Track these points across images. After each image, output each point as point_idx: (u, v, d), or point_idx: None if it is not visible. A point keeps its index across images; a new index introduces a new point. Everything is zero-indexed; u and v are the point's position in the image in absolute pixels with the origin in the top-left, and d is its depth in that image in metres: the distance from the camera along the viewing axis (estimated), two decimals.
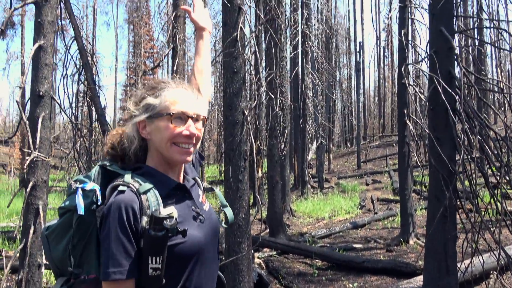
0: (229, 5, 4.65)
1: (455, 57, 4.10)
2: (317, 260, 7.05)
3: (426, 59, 4.71)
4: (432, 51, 4.12)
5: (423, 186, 11.27)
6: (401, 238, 7.66)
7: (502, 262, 4.35)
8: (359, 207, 12.41)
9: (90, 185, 1.23)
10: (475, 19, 11.56)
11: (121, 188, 1.21)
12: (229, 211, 1.48)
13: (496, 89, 7.84)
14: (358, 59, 26.19)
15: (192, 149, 1.31)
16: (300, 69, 15.13)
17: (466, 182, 3.94)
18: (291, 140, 19.64)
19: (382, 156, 24.06)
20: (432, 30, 4.24)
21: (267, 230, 9.08)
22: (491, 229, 3.92)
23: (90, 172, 1.30)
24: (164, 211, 1.19)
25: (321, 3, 19.13)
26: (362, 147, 25.36)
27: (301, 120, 14.31)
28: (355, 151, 25.00)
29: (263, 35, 10.30)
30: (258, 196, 6.63)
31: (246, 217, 4.54)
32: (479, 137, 3.74)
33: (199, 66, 1.72)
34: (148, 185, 1.24)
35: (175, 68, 9.57)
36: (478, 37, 14.25)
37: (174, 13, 9.47)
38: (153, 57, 36.44)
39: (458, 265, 4.22)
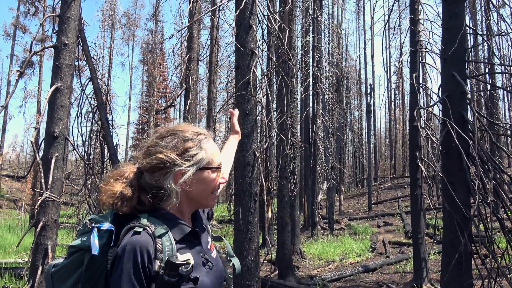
0: (242, 49, 4.80)
1: (467, 101, 4.14)
2: None
3: (438, 103, 4.75)
4: (444, 95, 4.17)
5: (436, 230, 11.03)
6: (414, 283, 7.42)
7: None
8: (371, 250, 12.12)
9: (106, 225, 1.23)
10: (486, 64, 11.71)
11: (137, 229, 1.20)
12: (236, 262, 1.48)
13: (509, 132, 7.82)
14: (368, 101, 26.46)
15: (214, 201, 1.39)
16: (311, 110, 15.32)
17: (481, 227, 3.86)
18: (301, 180, 19.56)
19: (393, 198, 23.73)
20: (444, 74, 4.31)
21: (276, 272, 8.88)
22: (508, 275, 3.80)
23: (106, 213, 1.29)
24: (180, 257, 1.20)
25: (332, 46, 19.59)
26: (373, 189, 25.08)
27: (311, 161, 14.31)
28: (366, 193, 24.73)
29: (274, 77, 10.53)
30: (268, 238, 6.54)
31: (256, 260, 4.47)
32: (494, 181, 3.70)
33: (225, 153, 1.81)
34: (163, 229, 1.23)
35: (187, 108, 9.79)
36: (490, 81, 14.37)
37: (188, 55, 9.80)
38: (165, 96, 37.27)
39: None
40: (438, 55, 4.87)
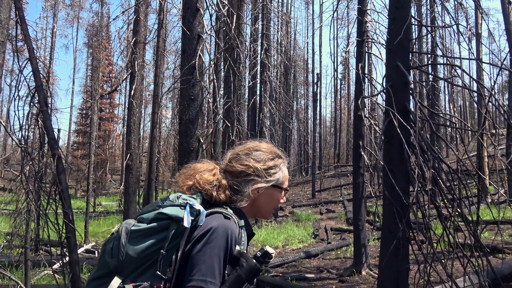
0: (189, 33, 4.60)
1: (410, 91, 4.22)
2: None
3: (382, 93, 4.83)
4: (388, 85, 4.21)
5: (376, 217, 11.47)
6: (354, 269, 7.65)
7: None
8: (313, 236, 12.40)
9: (198, 206, 1.38)
10: (429, 56, 12.20)
11: (226, 215, 1.39)
12: None
13: (448, 123, 8.21)
14: (315, 90, 26.90)
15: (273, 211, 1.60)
16: (258, 98, 15.29)
17: (419, 214, 3.98)
18: None
19: (336, 186, 24.47)
20: (388, 64, 4.36)
21: None
22: (443, 261, 3.96)
23: (195, 195, 1.44)
24: (271, 250, 1.46)
25: (280, 34, 19.64)
26: (317, 177, 25.73)
27: None
28: (310, 180, 25.30)
29: (222, 63, 10.33)
30: None
31: None
32: (433, 170, 3.81)
33: None
34: (242, 223, 1.43)
35: (132, 93, 9.37)
36: (433, 73, 15.05)
37: (134, 39, 9.35)
38: (110, 81, 35.72)
39: None
40: (384, 46, 4.94)
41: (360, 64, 7.80)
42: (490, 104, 4.21)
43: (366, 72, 8.24)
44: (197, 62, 4.58)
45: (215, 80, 5.71)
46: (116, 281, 1.32)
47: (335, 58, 35.15)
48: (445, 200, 3.83)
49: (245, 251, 1.39)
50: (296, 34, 34.43)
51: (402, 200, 3.80)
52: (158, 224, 1.37)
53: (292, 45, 25.80)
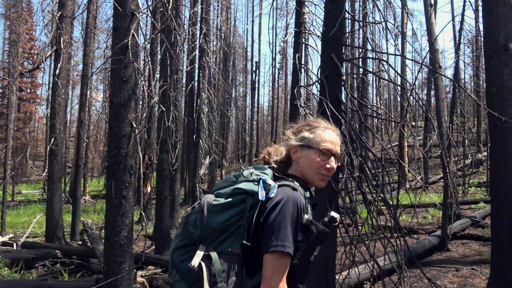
0: (121, 10, 4.39)
1: (342, 83, 4.39)
2: None
3: (317, 83, 4.98)
4: (322, 76, 4.36)
5: None
6: None
7: (375, 273, 4.72)
8: None
9: (270, 181, 1.53)
10: (360, 50, 12.74)
11: (294, 187, 1.54)
12: None
13: (375, 114, 8.66)
14: (253, 78, 27.10)
15: (328, 179, 1.68)
16: (196, 83, 15.07)
17: (347, 199, 4.20)
18: (183, 154, 19.34)
19: None
20: (323, 56, 4.50)
21: (153, 247, 8.69)
22: (366, 242, 4.23)
23: (266, 170, 1.60)
24: (336, 215, 1.57)
25: (220, 20, 19.44)
26: (254, 164, 26.02)
27: (194, 135, 14.18)
28: None
29: (158, 45, 10.03)
30: (143, 213, 6.25)
31: (129, 235, 4.25)
32: (360, 158, 4.02)
33: None
34: (307, 194, 1.60)
35: (57, 72, 8.79)
36: (363, 66, 15.74)
37: (60, 13, 8.75)
38: (32, 58, 33.18)
39: (337, 277, 4.47)
40: (320, 38, 5.08)
41: (297, 55, 7.95)
42: (411, 98, 4.52)
43: (302, 62, 8.42)
44: (130, 42, 4.40)
45: (150, 63, 5.52)
46: (201, 249, 1.48)
47: (274, 47, 35.56)
48: (370, 186, 4.06)
49: (313, 220, 1.52)
50: (236, 21, 34.30)
51: (332, 186, 3.98)
52: (236, 198, 1.52)
53: (232, 32, 25.66)
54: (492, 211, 4.43)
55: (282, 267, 1.44)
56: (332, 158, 1.65)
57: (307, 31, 8.10)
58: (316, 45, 8.59)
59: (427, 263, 6.68)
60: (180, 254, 1.55)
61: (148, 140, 10.71)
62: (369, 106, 5.24)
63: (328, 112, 3.92)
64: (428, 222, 9.95)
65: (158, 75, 9.24)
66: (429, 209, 11.35)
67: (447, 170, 7.47)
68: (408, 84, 4.33)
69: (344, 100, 4.21)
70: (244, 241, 1.46)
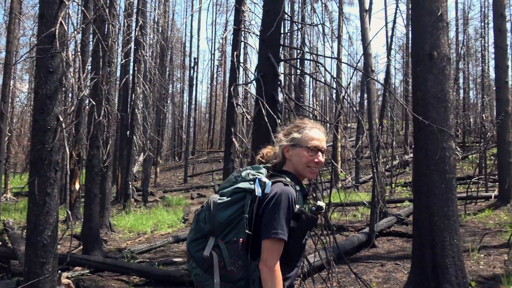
0: None
1: (279, 83, 4.44)
2: (134, 277, 6.69)
3: (254, 82, 5.00)
4: (259, 75, 4.38)
5: None
6: None
7: (305, 269, 4.84)
8: (183, 221, 12.41)
9: (265, 179, 1.81)
10: (298, 51, 13.01)
11: (286, 183, 1.82)
12: None
13: (311, 115, 8.90)
14: (192, 74, 26.72)
15: (317, 171, 1.99)
16: (131, 77, 14.54)
17: None
18: (116, 151, 18.62)
19: (209, 171, 24.81)
20: (261, 55, 4.52)
21: (81, 247, 8.26)
22: None
23: (261, 170, 1.88)
24: (322, 204, 1.88)
25: (158, 13, 18.90)
26: (190, 162, 25.73)
27: (128, 131, 13.67)
28: (183, 165, 25.19)
29: (91, 36, 9.52)
30: (69, 212, 5.88)
31: (53, 235, 3.99)
32: None
33: None
34: (298, 187, 1.88)
35: None
36: (300, 68, 16.10)
37: None
38: None
39: None
40: (258, 37, 5.10)
41: (235, 52, 7.96)
42: (345, 100, 4.69)
43: (241, 61, 8.46)
44: (57, 30, 4.11)
45: (80, 54, 5.20)
46: (211, 240, 1.78)
47: (213, 44, 35.34)
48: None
49: (303, 208, 1.82)
50: (175, 15, 33.60)
51: None
52: (236, 196, 1.81)
53: (169, 26, 25.07)
54: (414, 209, 4.72)
55: (277, 250, 1.75)
56: (319, 153, 1.94)
57: (246, 29, 8.13)
58: (255, 44, 8.65)
59: (355, 259, 6.98)
60: (195, 246, 1.84)
61: (77, 135, 10.15)
62: (304, 106, 5.36)
63: (264, 112, 3.95)
64: (357, 220, 10.41)
65: (89, 67, 8.77)
66: (359, 208, 11.89)
67: (375, 170, 7.87)
68: (341, 86, 4.48)
69: (280, 100, 4.26)
70: (247, 231, 1.76)
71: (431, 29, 4.46)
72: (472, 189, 11.89)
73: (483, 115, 19.28)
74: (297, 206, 1.79)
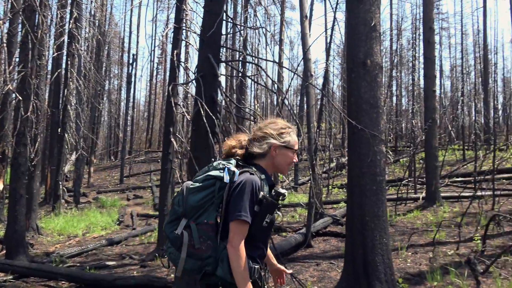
0: None
1: (219, 84, 4.42)
2: (63, 282, 6.33)
3: (193, 82, 4.93)
4: (199, 75, 4.33)
5: None
6: (156, 253, 7.70)
7: None
8: (117, 223, 11.97)
9: (233, 168, 2.02)
10: (240, 53, 13.05)
11: (251, 172, 2.03)
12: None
13: (252, 117, 8.96)
14: (130, 71, 25.84)
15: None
16: (63, 72, 13.77)
17: None
18: (45, 149, 17.55)
19: (146, 172, 24.15)
20: (200, 55, 4.48)
21: (4, 252, 7.68)
22: None
23: (231, 161, 2.08)
24: (282, 191, 2.07)
25: (94, 5, 18.08)
26: (127, 162, 24.90)
27: (59, 128, 12.93)
28: (119, 165, 24.30)
29: (19, 26, 8.89)
30: None
31: None
32: None
33: None
34: (263, 176, 2.09)
35: None
36: (242, 70, 16.17)
37: None
38: None
39: None
40: (199, 36, 5.04)
41: (175, 51, 7.82)
42: (285, 103, 4.78)
43: (182, 60, 8.33)
44: None
45: (5, 45, 4.80)
46: (183, 221, 1.99)
47: (153, 41, 34.45)
48: None
49: (266, 195, 2.02)
50: (113, 8, 32.36)
51: None
52: (207, 182, 2.00)
53: (107, 19, 24.07)
54: (347, 209, 4.92)
55: (241, 231, 1.95)
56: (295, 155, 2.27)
57: (187, 28, 8.02)
58: (196, 43, 8.55)
59: (292, 259, 7.13)
60: (170, 227, 2.03)
61: (2, 132, 9.43)
62: (246, 109, 5.39)
63: (203, 112, 3.92)
64: (295, 221, 10.64)
65: (17, 59, 8.18)
66: (297, 209, 12.16)
67: (313, 172, 8.10)
68: (280, 90, 4.56)
69: (219, 101, 4.25)
70: (216, 213, 2.00)
71: (365, 38, 4.67)
72: (402, 191, 12.62)
73: (413, 121, 20.54)
74: (261, 193, 2.01)
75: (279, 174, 2.87)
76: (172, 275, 5.89)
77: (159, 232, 8.07)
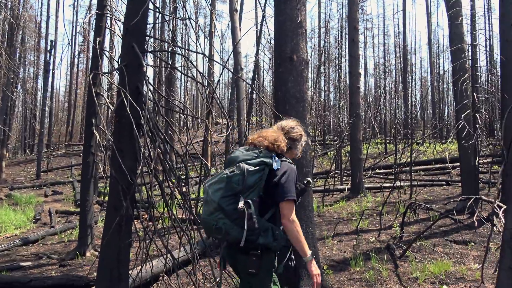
0: None
1: (144, 74, 4.27)
2: None
3: (117, 71, 4.71)
4: (122, 65, 4.15)
5: (106, 197, 11.27)
6: (77, 251, 7.31)
7: (170, 265, 4.78)
8: (34, 221, 11.17)
9: (277, 158, 2.62)
10: (168, 44, 12.69)
11: (290, 162, 2.71)
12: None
13: (181, 110, 8.77)
14: (48, 59, 24.03)
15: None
16: None
17: (148, 193, 4.12)
18: None
19: (67, 166, 22.81)
20: (124, 44, 4.29)
21: None
22: (164, 236, 4.23)
23: (272, 154, 2.64)
24: (310, 179, 3.06)
25: None
26: (45, 156, 23.28)
27: None
28: (35, 159, 22.66)
29: None
30: None
31: None
32: (159, 150, 3.99)
33: None
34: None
35: None
36: (171, 61, 15.74)
37: None
38: None
39: (131, 272, 4.35)
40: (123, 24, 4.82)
41: (98, 39, 7.41)
42: (215, 96, 4.75)
43: (107, 48, 7.92)
44: None
45: None
46: (241, 198, 2.44)
47: (74, 27, 32.39)
48: (173, 180, 4.07)
49: (299, 183, 2.72)
50: None
51: (128, 178, 3.84)
52: (261, 167, 2.51)
53: (21, 1, 22.14)
54: None
55: (292, 207, 2.55)
56: None
57: (111, 16, 7.64)
58: (121, 31, 8.17)
59: None
60: (226, 201, 2.45)
61: None
62: (171, 100, 5.26)
63: (126, 103, 3.77)
64: None
65: None
66: None
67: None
68: (209, 84, 4.52)
69: (144, 92, 4.11)
70: (260, 193, 2.51)
71: (291, 34, 4.78)
72: (330, 183, 13.20)
73: (340, 116, 21.52)
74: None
75: None
76: (95, 273, 5.62)
77: (80, 229, 7.63)
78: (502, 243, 3.05)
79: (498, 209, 4.39)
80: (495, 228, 6.63)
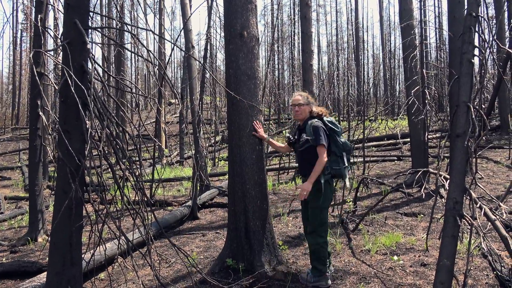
0: None
1: (88, 52, 4.09)
2: None
3: (59, 49, 4.48)
4: (65, 42, 3.95)
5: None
6: (28, 237, 7.06)
7: (125, 247, 4.72)
8: None
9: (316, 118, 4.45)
10: (117, 22, 12.19)
11: (318, 120, 4.39)
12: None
13: (132, 90, 8.54)
14: None
15: (296, 117, 4.56)
16: None
17: (97, 176, 4.00)
18: None
19: (14, 151, 21.78)
20: (66, 21, 4.07)
21: None
22: (118, 218, 4.16)
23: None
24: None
25: None
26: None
27: None
28: None
29: None
30: None
31: None
32: (108, 130, 3.88)
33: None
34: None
35: None
36: (120, 39, 15.15)
37: None
38: None
39: (84, 255, 4.26)
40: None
41: (40, 15, 7.02)
42: (165, 76, 4.64)
43: (51, 27, 7.48)
44: None
45: None
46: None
47: (15, 4, 30.35)
48: (127, 162, 3.98)
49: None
50: None
51: (76, 160, 3.72)
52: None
53: None
54: (229, 178, 5.04)
55: (325, 150, 4.14)
56: (296, 107, 4.48)
57: None
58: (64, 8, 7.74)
59: (178, 232, 7.14)
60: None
61: None
62: (120, 79, 5.10)
63: (71, 82, 3.61)
64: (182, 195, 10.62)
65: None
66: (183, 182, 12.14)
67: (196, 145, 8.10)
68: (160, 62, 4.41)
69: (89, 71, 3.95)
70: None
71: (241, 10, 4.73)
72: (285, 161, 13.38)
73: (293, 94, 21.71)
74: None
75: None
76: (47, 259, 5.46)
77: (30, 215, 7.36)
78: (446, 212, 3.21)
79: (444, 181, 4.61)
80: (443, 199, 7.03)
